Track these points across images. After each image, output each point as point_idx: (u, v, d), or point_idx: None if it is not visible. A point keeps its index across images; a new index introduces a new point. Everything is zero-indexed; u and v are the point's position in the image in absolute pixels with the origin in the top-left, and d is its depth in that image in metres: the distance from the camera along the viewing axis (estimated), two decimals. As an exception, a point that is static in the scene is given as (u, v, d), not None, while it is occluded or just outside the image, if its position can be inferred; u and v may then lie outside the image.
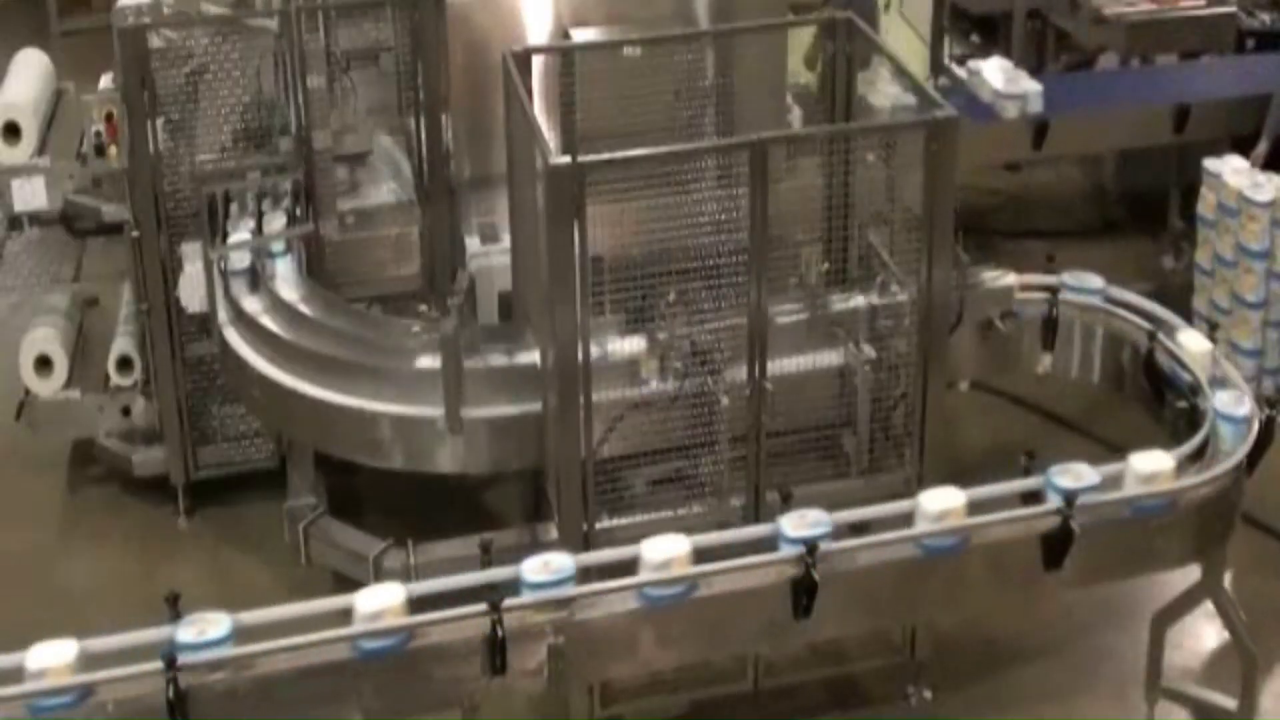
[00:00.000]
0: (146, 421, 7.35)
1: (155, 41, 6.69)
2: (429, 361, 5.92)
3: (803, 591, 4.88)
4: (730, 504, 5.69)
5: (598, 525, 5.59)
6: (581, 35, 6.38)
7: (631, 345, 5.64)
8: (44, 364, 7.24)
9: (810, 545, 4.98)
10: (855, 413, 5.75)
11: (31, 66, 7.54)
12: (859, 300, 5.80)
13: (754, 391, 5.59)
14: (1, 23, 11.72)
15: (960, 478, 5.23)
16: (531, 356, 5.90)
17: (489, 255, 6.52)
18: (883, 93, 6.57)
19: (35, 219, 7.26)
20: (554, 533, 5.79)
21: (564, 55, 6.03)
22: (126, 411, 7.35)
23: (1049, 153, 8.27)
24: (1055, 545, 5.09)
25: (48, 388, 7.25)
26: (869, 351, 5.74)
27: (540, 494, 6.07)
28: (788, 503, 5.39)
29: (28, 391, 7.28)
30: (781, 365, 5.63)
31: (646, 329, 5.63)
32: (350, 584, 6.12)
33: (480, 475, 6.26)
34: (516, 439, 5.90)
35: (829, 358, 5.77)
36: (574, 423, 5.48)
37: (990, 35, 10.04)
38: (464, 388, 5.85)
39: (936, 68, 9.31)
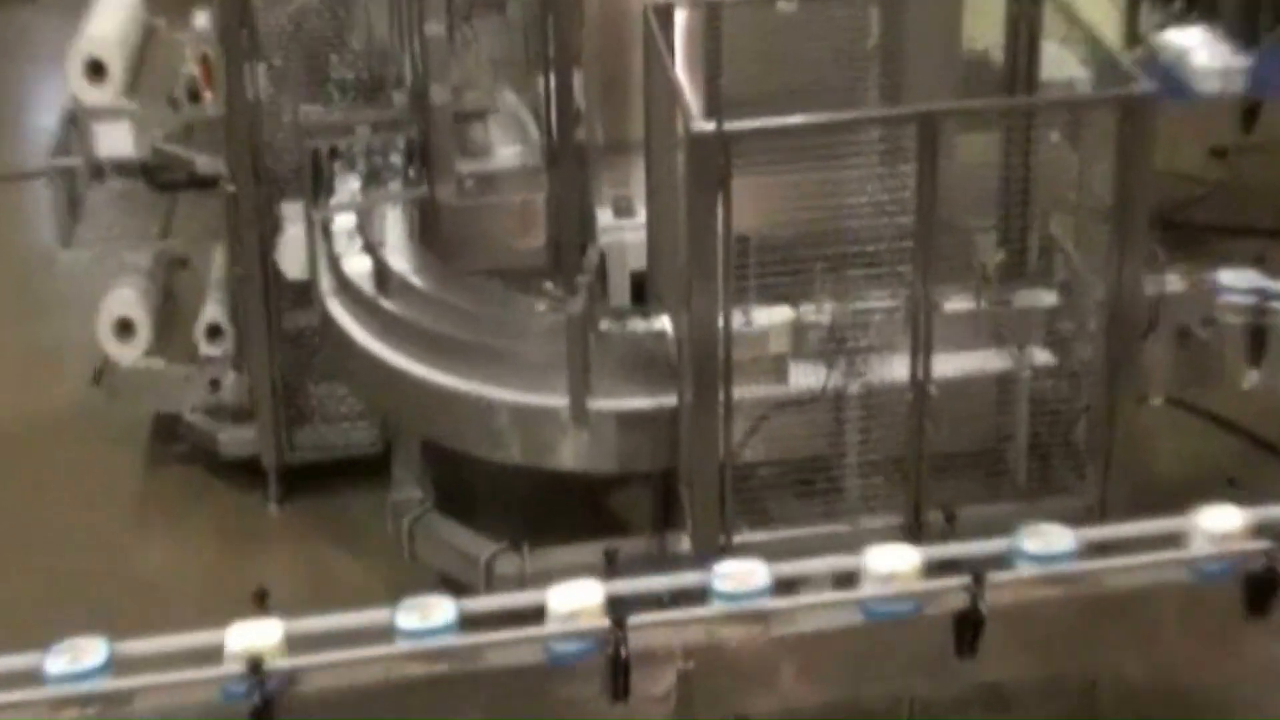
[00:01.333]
0: (236, 397, 7.44)
1: (257, -24, 6.74)
2: (554, 345, 5.98)
3: (968, 627, 4.74)
4: (888, 521, 5.71)
5: (736, 538, 5.62)
6: (730, -12, 6.28)
7: (780, 336, 5.71)
8: (125, 328, 7.31)
9: (977, 574, 4.78)
10: (1030, 425, 5.78)
11: (119, -1, 7.59)
12: (1038, 298, 5.81)
13: (916, 395, 5.59)
14: (87, -49, 11.98)
15: (1150, 505, 5.09)
16: (666, 344, 5.95)
17: (622, 230, 6.53)
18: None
19: (121, 168, 7.26)
20: (686, 543, 5.85)
21: (710, 10, 6.01)
22: (215, 385, 7.44)
23: (1260, 137, 8.09)
24: (1260, 590, 4.91)
25: (128, 354, 7.32)
26: (1046, 357, 5.75)
27: (672, 499, 6.09)
28: (952, 524, 5.43)
29: (107, 358, 7.35)
30: (948, 367, 5.64)
31: (796, 319, 5.69)
32: (457, 587, 6.13)
33: (606, 475, 6.30)
34: (647, 436, 5.95)
35: (1002, 361, 5.78)
36: (712, 421, 5.53)
37: (1194, 1, 9.84)
38: (591, 376, 5.91)
39: (1132, 37, 9.09)
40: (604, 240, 6.53)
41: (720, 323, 5.45)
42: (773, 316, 5.68)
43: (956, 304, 5.73)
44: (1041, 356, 5.76)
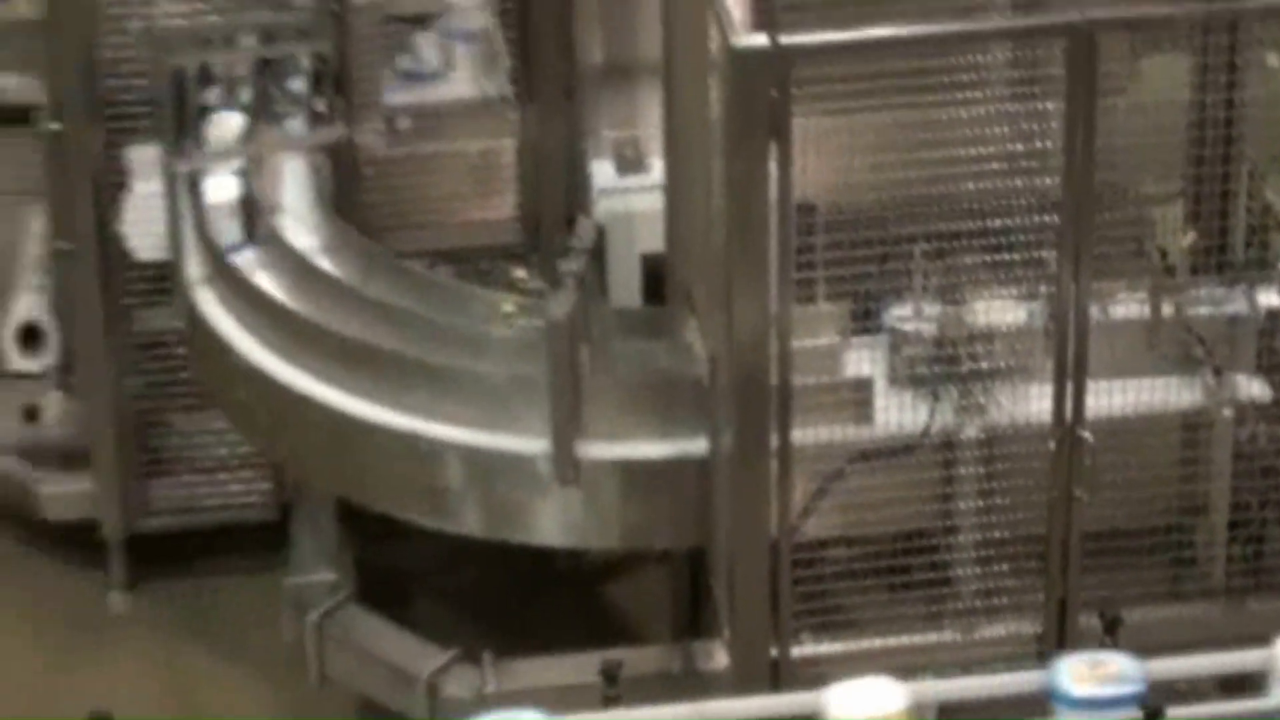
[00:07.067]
0: (65, 432, 7.32)
1: None
2: (526, 363, 5.87)
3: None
4: (1016, 628, 5.64)
5: (794, 650, 5.51)
6: None
7: (861, 354, 5.59)
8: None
9: (1150, 711, 4.56)
10: (1232, 488, 5.72)
11: None
12: (1246, 299, 5.69)
13: (1063, 443, 5.47)
14: None
15: None
16: (694, 364, 5.80)
17: (628, 193, 6.53)
18: None
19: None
20: (721, 657, 5.74)
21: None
22: (32, 414, 7.36)
23: None
24: None
25: (-101, 365, 7.24)
26: (1259, 388, 5.66)
27: (701, 594, 6.02)
28: (1113, 633, 5.32)
29: None
30: (1110, 401, 5.55)
31: (885, 328, 5.61)
32: (383, 715, 5.99)
33: (602, 556, 6.29)
34: (664, 499, 5.83)
35: (1191, 394, 5.68)
36: (760, 478, 5.40)
37: None
38: (583, 410, 5.75)
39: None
40: (601, 207, 6.55)
41: (774, 334, 5.31)
42: (853, 325, 5.59)
43: (1123, 308, 5.65)
44: (1251, 387, 5.66)
